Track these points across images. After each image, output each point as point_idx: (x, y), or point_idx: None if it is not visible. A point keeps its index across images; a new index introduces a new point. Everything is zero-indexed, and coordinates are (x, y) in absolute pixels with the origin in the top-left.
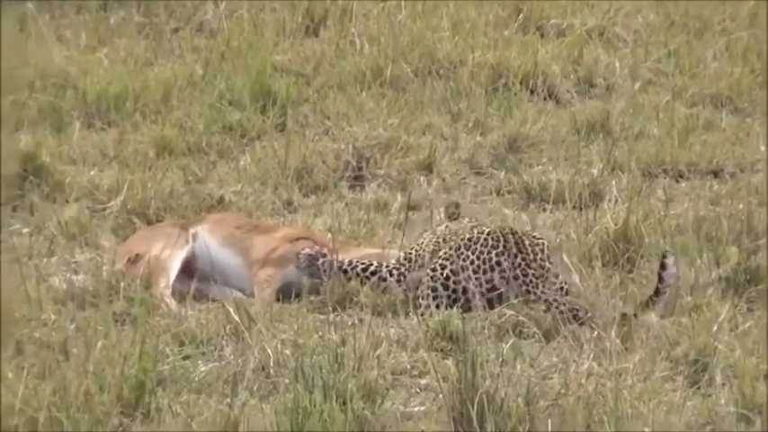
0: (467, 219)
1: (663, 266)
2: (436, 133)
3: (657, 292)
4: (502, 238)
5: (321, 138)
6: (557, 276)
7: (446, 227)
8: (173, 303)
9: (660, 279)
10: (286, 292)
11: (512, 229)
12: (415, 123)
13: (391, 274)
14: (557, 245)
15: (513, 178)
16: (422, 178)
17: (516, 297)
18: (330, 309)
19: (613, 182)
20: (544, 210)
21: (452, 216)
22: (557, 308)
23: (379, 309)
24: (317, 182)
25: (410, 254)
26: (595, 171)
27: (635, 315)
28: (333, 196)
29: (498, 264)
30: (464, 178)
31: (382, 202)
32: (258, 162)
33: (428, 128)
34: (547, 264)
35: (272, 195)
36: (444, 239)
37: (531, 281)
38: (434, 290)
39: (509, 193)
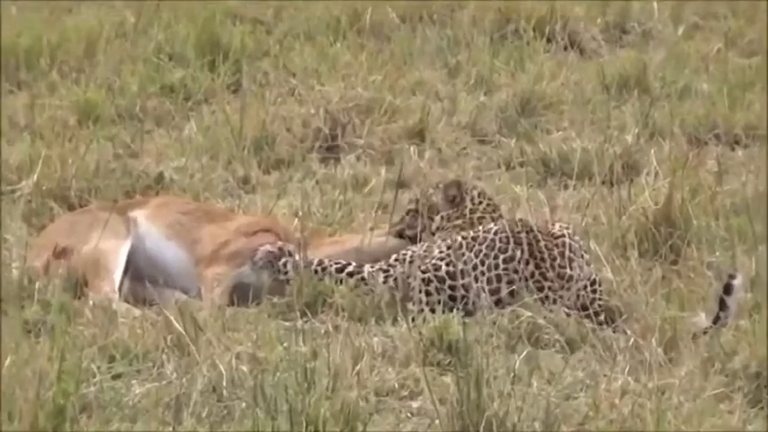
0: (469, 203)
1: (727, 289)
2: (429, 92)
3: (717, 320)
4: (512, 240)
5: (285, 100)
6: (582, 268)
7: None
8: (124, 306)
9: (722, 305)
10: (241, 294)
11: (524, 224)
12: (402, 81)
13: (373, 278)
14: (582, 230)
15: (527, 147)
16: (412, 149)
17: (538, 289)
18: (297, 314)
19: (652, 151)
20: (566, 187)
21: (453, 199)
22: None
23: (359, 313)
24: (279, 155)
25: (404, 256)
26: (629, 137)
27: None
28: (300, 172)
29: (506, 272)
30: (464, 148)
31: (362, 178)
32: (206, 131)
33: (419, 86)
34: (568, 271)
35: (225, 172)
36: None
37: (547, 295)
38: (432, 288)
39: (521, 166)
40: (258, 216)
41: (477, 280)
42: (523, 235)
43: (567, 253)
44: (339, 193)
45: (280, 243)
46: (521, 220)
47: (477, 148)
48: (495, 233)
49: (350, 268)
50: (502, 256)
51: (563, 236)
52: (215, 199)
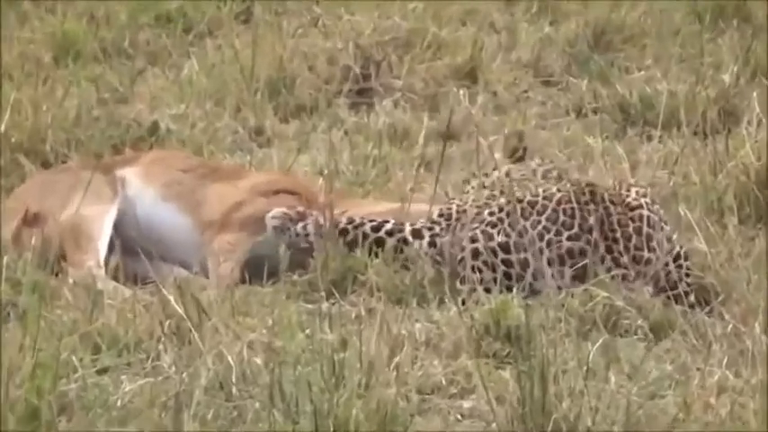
0: (536, 160)
1: None
2: (483, 23)
3: None
4: (578, 214)
5: (306, 32)
6: (661, 244)
7: (505, 171)
8: (111, 285)
9: None
10: (255, 269)
11: (593, 192)
12: (450, 8)
13: (418, 236)
14: (669, 192)
15: (602, 90)
16: (462, 92)
17: (610, 267)
18: (323, 294)
19: (754, 94)
20: (649, 138)
21: (514, 153)
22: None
23: (398, 293)
24: (300, 99)
25: (449, 210)
26: (727, 77)
27: None
28: (325, 121)
29: (570, 254)
30: (525, 91)
31: (401, 128)
32: (210, 70)
33: (470, 15)
34: (645, 253)
35: (233, 121)
36: (501, 191)
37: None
38: (481, 262)
39: (595, 113)
40: (276, 174)
41: (534, 257)
42: (592, 207)
43: (644, 229)
44: (373, 146)
45: (299, 207)
46: (589, 185)
47: (541, 90)
48: (559, 202)
49: (388, 226)
50: (566, 233)
51: (640, 206)
52: (222, 154)
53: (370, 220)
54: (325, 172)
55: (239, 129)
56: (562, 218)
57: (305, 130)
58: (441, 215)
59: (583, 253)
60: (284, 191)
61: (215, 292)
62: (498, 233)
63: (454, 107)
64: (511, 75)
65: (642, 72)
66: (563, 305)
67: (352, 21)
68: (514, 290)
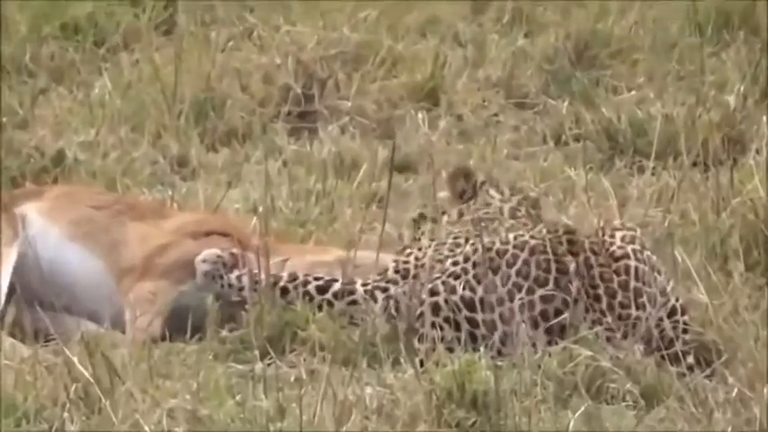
0: (499, 192)
1: None
2: (446, 34)
3: None
4: (554, 266)
5: (239, 45)
6: (654, 299)
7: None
8: (8, 342)
9: None
10: (179, 324)
11: (571, 239)
12: (407, 18)
13: (372, 298)
14: (663, 233)
15: (585, 114)
16: (420, 116)
17: (592, 324)
18: (256, 353)
19: (764, 118)
20: (641, 170)
21: (462, 194)
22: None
23: (345, 352)
24: (231, 125)
25: (406, 264)
26: (732, 99)
27: None
28: (261, 150)
29: (544, 315)
30: (495, 115)
31: (350, 159)
32: (126, 90)
33: (431, 25)
34: (633, 311)
35: (152, 150)
36: (465, 239)
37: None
38: (442, 318)
39: (577, 140)
40: (203, 212)
41: (502, 319)
42: (569, 259)
43: (631, 283)
44: (316, 179)
45: (233, 249)
46: (567, 232)
47: (514, 114)
48: (532, 252)
49: (336, 286)
50: (539, 292)
51: (626, 256)
52: (139, 188)
53: (316, 278)
54: (260, 210)
55: (159, 158)
56: (535, 272)
57: (236, 160)
58: (397, 271)
59: (559, 314)
60: (215, 232)
61: (130, 351)
62: (462, 286)
63: (411, 133)
64: (478, 95)
65: (633, 92)
66: (539, 366)
67: (293, 32)
68: (481, 349)
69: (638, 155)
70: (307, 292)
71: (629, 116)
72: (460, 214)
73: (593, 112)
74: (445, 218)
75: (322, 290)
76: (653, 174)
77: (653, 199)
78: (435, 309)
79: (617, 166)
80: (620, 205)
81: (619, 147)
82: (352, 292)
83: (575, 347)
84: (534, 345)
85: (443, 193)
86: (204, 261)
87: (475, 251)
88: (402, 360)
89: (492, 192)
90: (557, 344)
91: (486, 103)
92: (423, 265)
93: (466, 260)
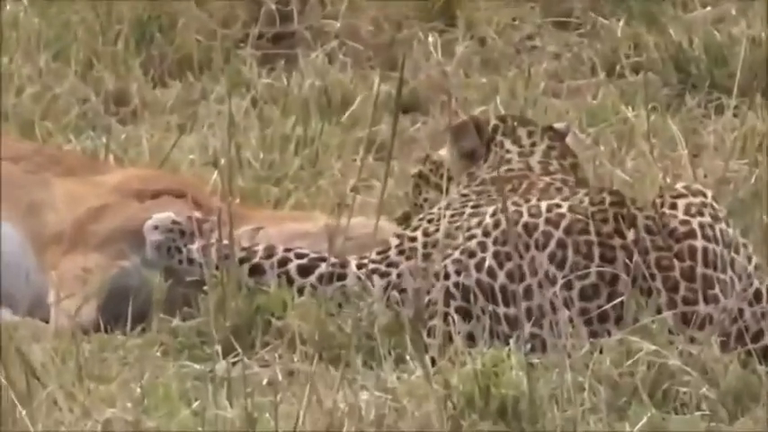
0: (513, 147)
1: None
2: None
3: None
4: (597, 251)
5: None
6: (732, 282)
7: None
8: None
9: None
10: (117, 309)
11: (620, 213)
12: None
13: (368, 279)
14: (749, 193)
15: (647, 37)
16: (431, 39)
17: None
18: (218, 348)
19: None
20: (719, 109)
21: (471, 154)
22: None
23: (334, 347)
24: (184, 51)
25: (412, 241)
26: None
27: None
28: (223, 85)
29: (584, 313)
30: (530, 38)
31: (339, 96)
32: (47, 7)
33: None
34: (702, 308)
35: (82, 83)
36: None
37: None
38: (454, 308)
39: (636, 71)
40: (149, 169)
41: (531, 316)
42: (618, 242)
43: (698, 270)
44: (295, 123)
45: (195, 213)
46: (615, 202)
47: (555, 37)
48: (568, 231)
49: (322, 267)
50: (578, 285)
51: (692, 234)
52: (63, 135)
53: (298, 255)
54: (222, 162)
55: (90, 95)
56: (572, 258)
57: (191, 97)
58: (401, 251)
59: (607, 317)
60: (165, 192)
61: (53, 345)
62: (479, 268)
63: (420, 62)
64: (506, 13)
65: (708, 8)
66: (587, 365)
67: None
68: (511, 341)
69: (715, 90)
70: (286, 273)
71: (705, 40)
72: (472, 179)
73: (658, 35)
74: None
75: (305, 271)
76: (735, 115)
77: (735, 148)
78: (447, 297)
79: (688, 104)
80: (692, 156)
81: (691, 80)
82: (342, 276)
83: (633, 340)
84: (579, 336)
85: (441, 152)
86: (156, 228)
87: (496, 224)
88: (408, 358)
89: (507, 144)
90: (608, 335)
91: (517, 22)
92: (435, 244)
93: (485, 233)
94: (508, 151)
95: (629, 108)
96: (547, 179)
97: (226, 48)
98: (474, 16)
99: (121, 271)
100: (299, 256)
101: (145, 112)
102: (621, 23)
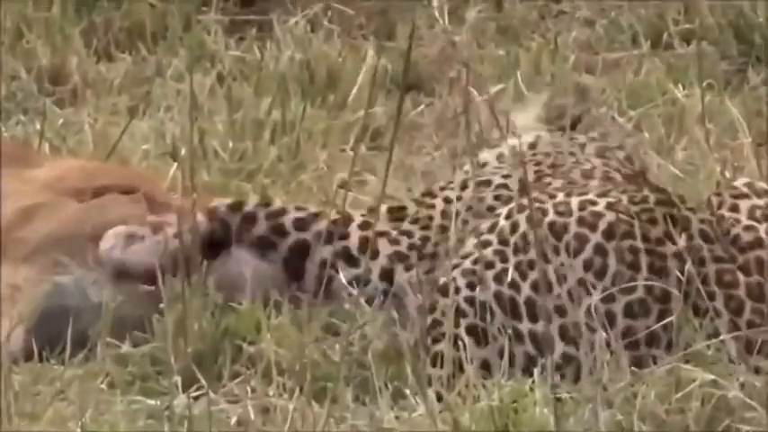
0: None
1: None
2: None
3: None
4: (645, 260)
5: None
6: None
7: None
8: None
9: None
10: (52, 333)
11: (671, 213)
12: None
13: (372, 251)
14: None
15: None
16: (436, 0)
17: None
18: (176, 380)
19: None
20: None
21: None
22: None
23: (319, 377)
24: (135, 17)
25: (429, 213)
26: None
27: None
28: (182, 57)
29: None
30: (556, 1)
31: (324, 70)
32: None
33: None
34: None
35: (11, 58)
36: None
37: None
38: (464, 328)
39: (687, 41)
40: (91, 160)
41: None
42: (669, 250)
43: None
44: (271, 104)
45: (151, 217)
46: (661, 201)
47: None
48: (609, 235)
49: (321, 224)
50: (623, 301)
51: (757, 244)
52: None
53: (297, 207)
54: (183, 153)
55: (20, 72)
56: (614, 267)
57: (143, 73)
58: (414, 220)
59: (655, 340)
60: (111, 188)
61: None
62: (496, 279)
63: (423, 30)
64: None
65: None
66: (627, 399)
67: None
68: (536, 370)
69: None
70: (280, 226)
71: None
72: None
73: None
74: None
75: (300, 225)
76: None
77: None
78: (457, 314)
79: (751, 82)
80: (755, 145)
81: (754, 52)
82: (343, 236)
83: (685, 368)
84: (618, 366)
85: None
86: (113, 248)
87: (514, 227)
88: (409, 391)
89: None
90: (653, 362)
91: None
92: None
93: (502, 239)
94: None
95: (679, 86)
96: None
97: (185, 13)
98: None
99: (57, 287)
100: (299, 209)
101: (87, 91)
102: None
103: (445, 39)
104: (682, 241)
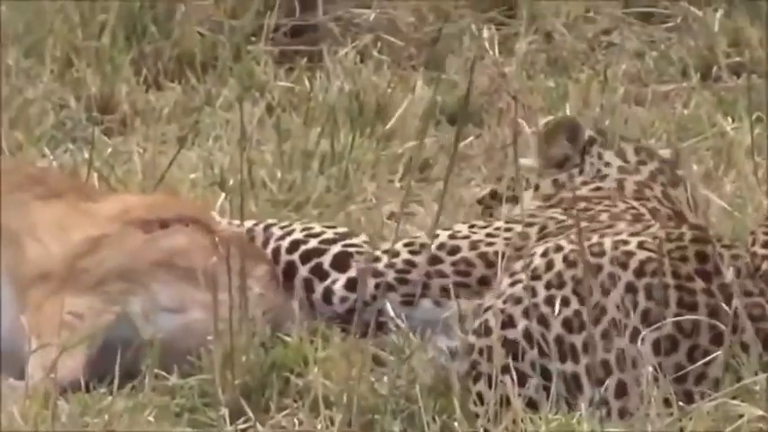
0: (615, 160)
1: None
2: None
3: None
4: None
5: None
6: None
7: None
8: None
9: None
10: (105, 364)
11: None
12: None
13: (405, 284)
14: None
15: (749, 30)
16: (487, 32)
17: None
18: (223, 412)
19: None
20: None
21: (564, 161)
22: None
23: (368, 410)
24: (184, 46)
25: (476, 236)
26: None
27: None
28: (231, 88)
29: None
30: (607, 33)
31: (373, 100)
32: None
33: None
34: None
35: (59, 86)
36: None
37: None
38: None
39: (737, 74)
40: (139, 194)
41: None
42: (701, 286)
43: None
44: (320, 135)
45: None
46: (697, 238)
47: (637, 31)
48: (640, 273)
49: (335, 249)
50: (652, 337)
51: None
52: (36, 147)
53: (306, 230)
54: (231, 183)
55: (70, 100)
56: (644, 304)
57: (192, 103)
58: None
59: (683, 378)
60: (177, 220)
61: (22, 408)
62: (526, 314)
63: (473, 60)
64: (578, 3)
65: None
66: None
67: None
68: (583, 404)
69: None
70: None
71: None
72: (559, 186)
73: (762, 29)
74: (529, 193)
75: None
76: None
77: None
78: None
79: None
80: None
81: None
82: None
83: (734, 404)
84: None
85: (528, 159)
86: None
87: (548, 265)
88: (456, 425)
89: (608, 156)
90: (685, 397)
91: (591, 13)
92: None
93: (534, 276)
94: (608, 164)
95: (728, 119)
96: (626, 204)
97: (235, 43)
98: (539, 6)
99: (120, 318)
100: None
101: (136, 120)
102: (719, 15)
103: (495, 70)
104: (715, 281)
